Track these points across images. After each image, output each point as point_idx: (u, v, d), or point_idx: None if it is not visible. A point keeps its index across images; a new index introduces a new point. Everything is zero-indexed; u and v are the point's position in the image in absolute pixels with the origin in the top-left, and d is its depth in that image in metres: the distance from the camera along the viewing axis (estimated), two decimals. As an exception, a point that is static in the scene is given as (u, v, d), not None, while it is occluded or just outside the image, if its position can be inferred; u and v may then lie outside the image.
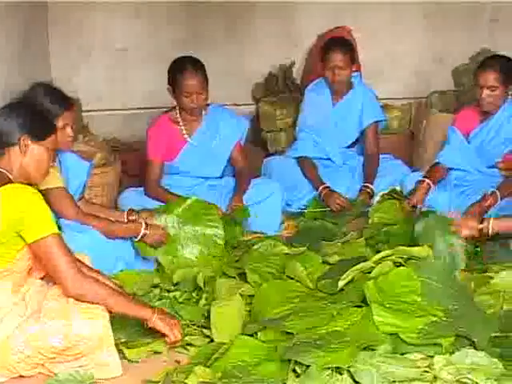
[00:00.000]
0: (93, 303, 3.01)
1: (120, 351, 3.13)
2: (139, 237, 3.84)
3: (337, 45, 4.94)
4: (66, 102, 3.62)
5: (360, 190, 4.86)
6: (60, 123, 3.52)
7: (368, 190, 4.84)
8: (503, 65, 4.54)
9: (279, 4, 6.29)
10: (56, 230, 2.99)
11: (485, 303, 3.41)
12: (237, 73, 6.30)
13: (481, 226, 3.86)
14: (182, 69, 4.34)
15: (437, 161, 4.77)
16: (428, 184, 4.61)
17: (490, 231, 3.85)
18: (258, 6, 6.26)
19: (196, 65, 4.36)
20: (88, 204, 4.04)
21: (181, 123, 4.51)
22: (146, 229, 3.85)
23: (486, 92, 4.51)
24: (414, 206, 4.53)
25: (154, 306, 3.25)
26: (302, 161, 5.04)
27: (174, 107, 4.53)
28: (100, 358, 3.01)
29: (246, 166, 4.66)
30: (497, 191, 4.42)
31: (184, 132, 4.51)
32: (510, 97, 4.63)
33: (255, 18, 6.32)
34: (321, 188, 4.82)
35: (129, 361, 3.16)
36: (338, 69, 4.88)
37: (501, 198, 4.41)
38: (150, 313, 3.11)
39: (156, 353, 3.21)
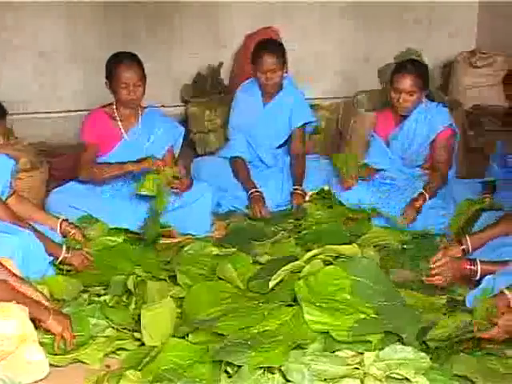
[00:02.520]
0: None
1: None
2: (58, 261, 3.82)
3: (268, 48, 4.92)
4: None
5: (292, 194, 4.88)
6: None
7: (300, 192, 4.85)
8: (419, 70, 4.64)
9: (207, 3, 6.29)
10: None
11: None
12: (164, 74, 6.28)
13: (468, 267, 3.70)
14: (120, 60, 4.39)
15: (365, 162, 4.85)
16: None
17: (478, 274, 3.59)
18: (186, 5, 6.25)
19: (134, 57, 4.44)
20: (22, 201, 4.01)
21: (117, 118, 4.50)
22: (66, 253, 3.83)
23: (403, 97, 4.61)
24: None
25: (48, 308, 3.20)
26: (234, 161, 5.04)
27: (111, 103, 4.51)
28: (23, 357, 2.96)
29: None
30: (424, 192, 4.55)
31: (120, 127, 4.50)
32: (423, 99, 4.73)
33: (183, 18, 6.31)
34: (252, 191, 4.83)
35: (57, 366, 3.11)
36: (271, 72, 4.88)
37: (429, 198, 4.54)
38: (47, 314, 3.11)
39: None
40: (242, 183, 4.91)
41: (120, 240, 4.13)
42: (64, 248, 3.83)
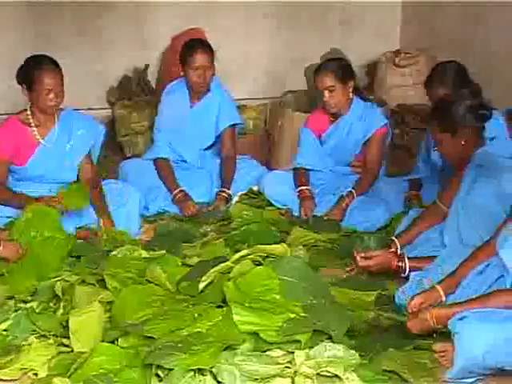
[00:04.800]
0: None
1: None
2: None
3: (200, 46, 4.96)
4: None
5: (216, 195, 4.87)
6: None
7: (224, 195, 4.85)
8: (336, 65, 4.73)
9: (131, 4, 6.24)
10: None
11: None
12: (90, 76, 6.21)
13: (396, 263, 3.76)
14: (41, 65, 4.23)
15: (296, 165, 4.86)
16: (309, 191, 4.70)
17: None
18: (111, 6, 6.20)
19: (54, 62, 4.30)
20: None
21: (32, 124, 4.36)
22: None
23: (326, 94, 4.67)
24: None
25: None
26: (158, 162, 5.02)
27: (25, 110, 4.38)
28: None
29: (93, 177, 4.51)
30: (353, 190, 4.61)
31: (36, 133, 4.37)
32: (355, 96, 4.79)
33: (108, 20, 6.25)
34: (175, 192, 4.81)
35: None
36: (202, 69, 4.89)
37: (358, 196, 4.61)
38: None
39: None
40: (165, 184, 4.89)
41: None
42: None
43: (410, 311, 3.24)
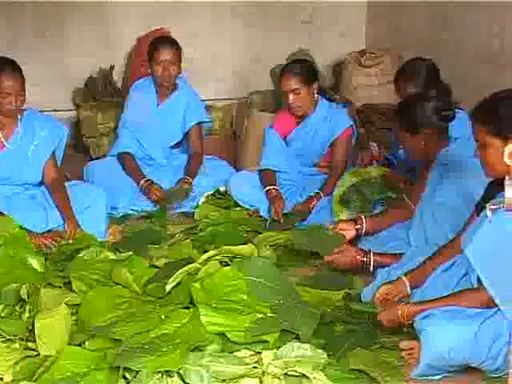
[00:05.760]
0: None
1: None
2: None
3: (166, 41, 5.02)
4: None
5: (179, 182, 4.88)
6: None
7: (187, 181, 4.87)
8: (301, 67, 4.74)
9: (95, 4, 6.20)
10: None
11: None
12: (55, 77, 6.17)
13: (361, 258, 3.80)
14: (0, 68, 4.17)
15: (262, 167, 4.86)
16: (276, 190, 4.70)
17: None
18: (74, 6, 6.15)
19: (13, 64, 4.23)
20: None
21: None
22: None
23: (291, 97, 4.68)
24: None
25: None
26: (122, 156, 5.02)
27: None
28: None
29: (57, 179, 4.48)
30: (320, 191, 4.62)
31: (0, 136, 4.35)
32: (320, 97, 4.80)
33: (72, 20, 6.21)
34: (142, 181, 4.83)
35: None
36: (168, 64, 4.91)
37: (325, 196, 4.63)
38: None
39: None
40: (131, 177, 4.90)
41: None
42: None
43: (377, 301, 3.32)
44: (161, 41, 5.06)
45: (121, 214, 4.75)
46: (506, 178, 1.59)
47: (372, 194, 4.40)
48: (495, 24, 5.25)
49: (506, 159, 1.51)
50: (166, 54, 4.91)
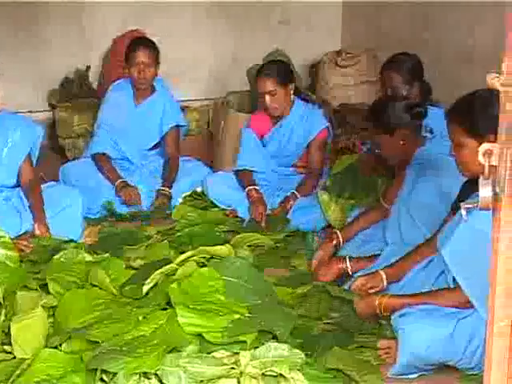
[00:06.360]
0: None
1: None
2: None
3: (143, 43, 5.00)
4: None
5: (156, 193, 4.86)
6: None
7: (165, 193, 4.84)
8: (277, 68, 4.75)
9: (72, 4, 6.17)
10: None
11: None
12: (30, 78, 6.12)
13: (339, 265, 3.79)
14: None
15: (238, 168, 4.86)
16: (257, 191, 4.69)
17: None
18: (51, 7, 6.11)
19: None
20: None
21: None
22: None
23: (267, 98, 4.69)
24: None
25: None
26: (97, 157, 4.99)
27: None
28: None
29: (33, 180, 4.45)
30: (296, 192, 4.63)
31: None
32: (296, 98, 4.81)
33: (47, 20, 6.16)
34: (117, 182, 4.81)
35: None
36: (143, 65, 4.88)
37: (301, 197, 4.63)
38: None
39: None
40: (107, 177, 4.88)
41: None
42: None
43: (353, 291, 3.37)
44: (138, 42, 5.05)
45: (98, 216, 4.72)
46: (481, 177, 1.60)
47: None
48: (475, 24, 5.27)
49: (480, 159, 1.53)
50: (142, 56, 4.89)
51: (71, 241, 4.22)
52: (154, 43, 5.06)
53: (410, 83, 4.49)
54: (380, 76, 4.62)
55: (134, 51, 4.91)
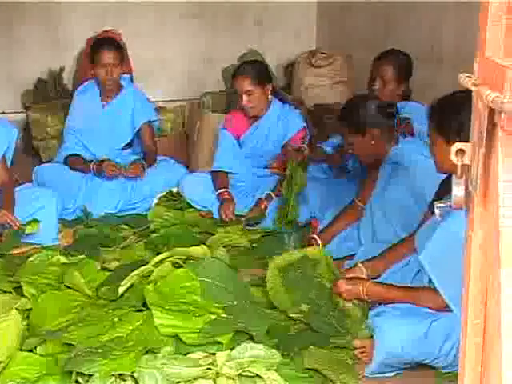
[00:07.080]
0: None
1: None
2: None
3: (106, 43, 4.96)
4: None
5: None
6: None
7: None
8: (254, 68, 4.73)
9: (45, 5, 6.13)
10: None
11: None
12: (3, 79, 6.10)
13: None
14: None
15: (215, 169, 4.85)
16: (228, 193, 4.69)
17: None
18: (23, 7, 6.08)
19: None
20: None
21: None
22: None
23: (245, 98, 4.68)
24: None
25: None
26: (69, 158, 4.98)
27: None
28: None
29: (10, 181, 4.43)
30: (271, 193, 4.63)
31: None
32: (273, 98, 4.81)
33: (20, 20, 6.13)
34: (91, 164, 4.84)
35: None
36: (109, 66, 4.86)
37: (276, 197, 4.63)
38: None
39: None
40: (80, 169, 4.88)
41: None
42: None
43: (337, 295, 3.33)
44: (101, 42, 5.00)
45: (72, 218, 4.69)
46: (453, 176, 1.60)
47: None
48: (436, 24, 5.31)
49: (453, 158, 1.53)
50: (106, 58, 4.86)
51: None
52: (118, 43, 5.04)
53: (399, 81, 4.51)
54: (373, 63, 4.61)
55: (98, 52, 4.88)
